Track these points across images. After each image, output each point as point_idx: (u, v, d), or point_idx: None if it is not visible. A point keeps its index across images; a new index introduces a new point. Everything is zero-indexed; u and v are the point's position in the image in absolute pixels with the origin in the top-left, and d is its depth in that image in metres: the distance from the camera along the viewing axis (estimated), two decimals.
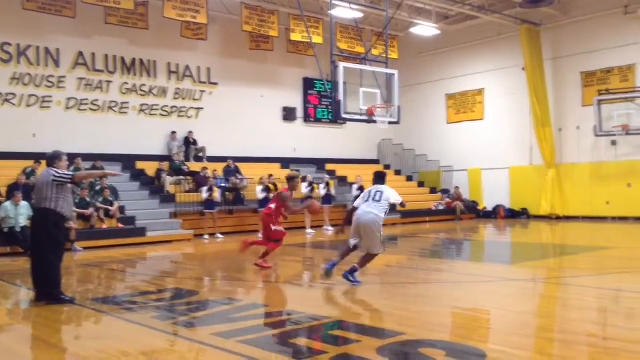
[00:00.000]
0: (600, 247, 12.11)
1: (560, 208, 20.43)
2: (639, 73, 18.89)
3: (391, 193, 7.90)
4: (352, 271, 7.70)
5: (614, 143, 19.28)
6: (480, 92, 23.17)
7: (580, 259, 10.78)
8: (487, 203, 22.56)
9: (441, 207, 21.73)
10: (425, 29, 21.62)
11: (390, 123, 18.39)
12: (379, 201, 7.74)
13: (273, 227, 9.34)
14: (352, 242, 7.88)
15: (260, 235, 11.77)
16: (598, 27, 19.56)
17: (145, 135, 18.31)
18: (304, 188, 17.44)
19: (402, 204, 8.15)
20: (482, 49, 22.76)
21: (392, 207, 8.06)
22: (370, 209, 7.70)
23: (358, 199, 8.17)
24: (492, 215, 21.83)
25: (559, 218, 20.27)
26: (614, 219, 19.13)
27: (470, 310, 6.60)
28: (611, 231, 16.47)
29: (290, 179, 9.81)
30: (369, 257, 7.84)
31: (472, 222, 20.76)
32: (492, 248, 14.23)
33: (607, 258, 10.57)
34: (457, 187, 22.82)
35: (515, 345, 4.95)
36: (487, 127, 22.87)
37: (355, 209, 7.99)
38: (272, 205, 9.45)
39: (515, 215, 21.45)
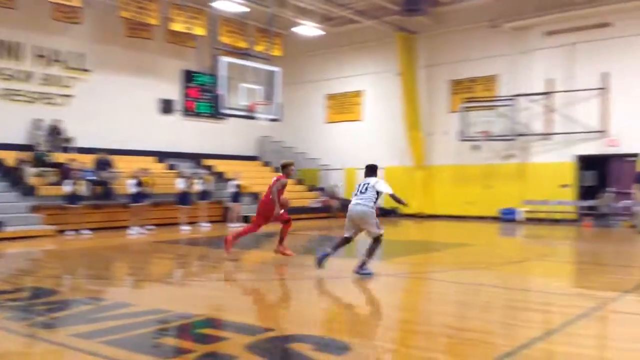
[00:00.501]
0: (462, 244, 12.97)
1: (427, 207, 21.66)
2: (500, 83, 20.48)
3: (379, 184, 8.27)
4: (362, 266, 8.06)
5: (476, 148, 20.77)
6: (359, 94, 23.93)
7: (443, 255, 11.48)
8: None
9: (318, 205, 22.15)
10: (309, 29, 21.93)
11: (271, 120, 18.49)
12: (364, 193, 8.17)
13: (281, 211, 9.67)
14: (347, 234, 8.28)
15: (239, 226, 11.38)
16: (467, 38, 20.96)
17: (6, 122, 16.87)
18: (180, 183, 17.01)
19: (392, 196, 8.42)
20: (362, 53, 23.52)
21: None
22: (358, 201, 8.15)
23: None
24: None
25: (425, 217, 21.47)
26: (473, 217, 20.60)
27: (339, 305, 6.80)
28: (472, 229, 17.70)
29: (285, 166, 9.92)
30: (373, 245, 8.18)
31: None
32: (364, 245, 14.73)
33: (467, 254, 11.33)
34: (334, 185, 23.42)
35: (379, 337, 5.18)
36: (364, 128, 23.69)
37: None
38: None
39: (386, 214, 22.38)
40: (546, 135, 19.37)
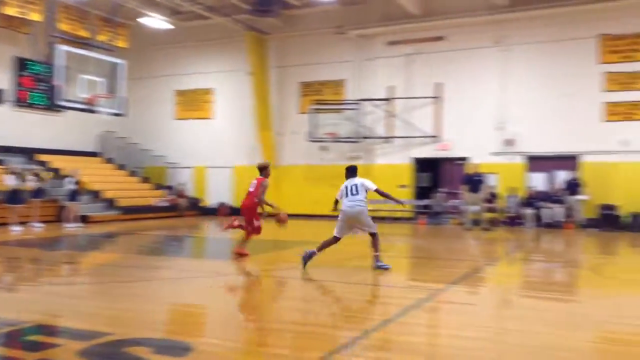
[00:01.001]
0: (309, 242, 13.31)
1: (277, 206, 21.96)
2: (348, 88, 21.37)
3: (366, 182, 8.82)
4: (377, 260, 8.56)
5: (324, 148, 21.46)
6: (210, 91, 23.59)
7: (291, 253, 11.69)
8: (211, 200, 23.09)
9: (165, 204, 21.47)
10: (156, 22, 21.14)
11: (114, 114, 17.55)
12: (356, 194, 8.67)
13: (256, 223, 9.90)
14: (339, 234, 8.71)
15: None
16: (316, 42, 21.60)
17: None
18: (9, 180, 15.53)
19: (378, 191, 8.87)
20: (213, 50, 23.23)
21: None
22: (353, 202, 8.62)
23: (338, 192, 8.95)
24: (215, 212, 22.38)
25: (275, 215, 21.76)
26: (321, 216, 21.25)
27: (184, 306, 6.64)
28: (319, 228, 18.25)
29: (264, 168, 10.20)
30: (374, 240, 8.67)
31: (195, 219, 20.99)
32: (213, 244, 14.57)
33: None
34: (181, 184, 22.87)
35: (224, 336, 5.14)
36: (215, 126, 23.41)
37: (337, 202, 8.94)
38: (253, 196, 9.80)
39: (237, 212, 22.24)
40: (387, 138, 20.58)
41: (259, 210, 10.13)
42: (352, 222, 8.77)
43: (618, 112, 17.58)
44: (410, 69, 20.27)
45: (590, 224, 16.99)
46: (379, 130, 20.74)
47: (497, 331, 5.54)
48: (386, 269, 8.58)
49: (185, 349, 4.56)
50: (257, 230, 10.08)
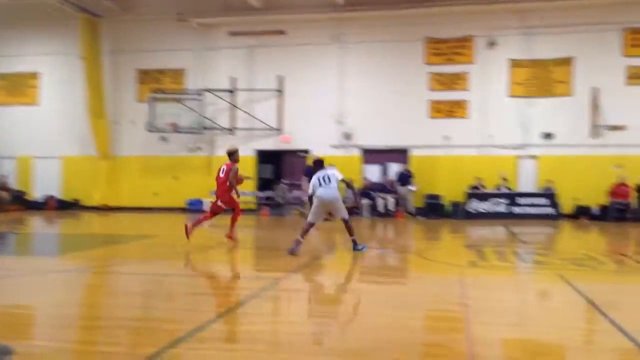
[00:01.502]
0: (148, 236, 12.82)
1: (113, 199, 20.85)
2: (188, 77, 20.85)
3: (336, 173, 9.68)
4: (355, 243, 9.56)
5: (164, 139, 20.77)
6: (35, 75, 21.67)
7: (127, 248, 11.17)
8: (38, 193, 21.25)
9: None
10: None
11: None
12: (330, 182, 9.48)
13: (235, 202, 10.66)
14: (314, 220, 9.56)
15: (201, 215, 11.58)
16: (155, 28, 20.77)
17: None
18: None
19: (343, 180, 9.68)
20: (39, 31, 21.35)
21: None
22: (329, 189, 9.43)
23: (310, 186, 9.73)
24: (43, 206, 20.67)
25: (110, 209, 20.63)
26: (160, 209, 20.58)
27: (7, 307, 6.04)
28: (159, 221, 17.65)
29: (232, 153, 10.75)
30: (348, 225, 9.61)
31: (19, 214, 19.19)
32: (40, 240, 13.44)
33: (153, 246, 11.24)
34: (3, 176, 20.76)
35: (51, 337, 4.77)
36: (42, 113, 21.58)
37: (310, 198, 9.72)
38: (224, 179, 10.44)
39: (66, 206, 20.84)
40: (230, 130, 20.46)
41: (234, 195, 10.69)
42: (328, 208, 9.65)
43: (441, 110, 19.21)
44: (253, 61, 20.34)
45: (418, 212, 18.41)
46: (221, 121, 20.54)
47: (334, 316, 5.79)
48: (364, 250, 9.66)
49: (4, 353, 4.14)
50: (236, 203, 10.81)
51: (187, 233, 10.67)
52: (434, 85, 19.30)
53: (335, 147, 19.74)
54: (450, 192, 18.60)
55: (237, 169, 10.70)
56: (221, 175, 10.73)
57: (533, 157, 18.73)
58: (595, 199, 17.72)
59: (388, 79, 19.54)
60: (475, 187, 18.35)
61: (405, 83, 19.38)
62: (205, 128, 20.29)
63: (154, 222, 17.09)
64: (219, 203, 10.87)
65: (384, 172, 19.81)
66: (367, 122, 19.59)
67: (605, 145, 17.90)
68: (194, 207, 20.11)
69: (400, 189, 18.60)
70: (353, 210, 18.33)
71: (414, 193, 18.61)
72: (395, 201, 18.57)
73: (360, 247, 9.68)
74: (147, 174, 20.98)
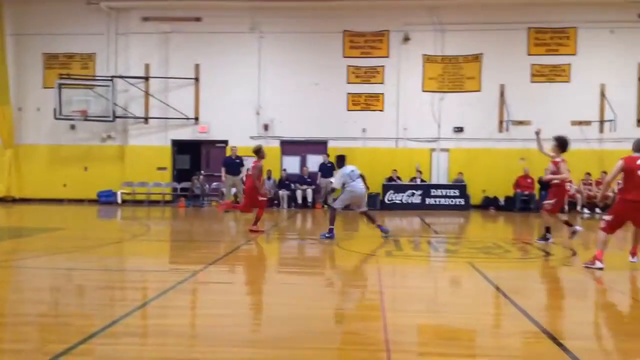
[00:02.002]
0: (56, 229, 12.23)
1: (18, 190, 19.72)
2: (98, 62, 19.98)
3: (356, 169, 10.88)
4: (382, 228, 10.91)
5: (73, 127, 19.84)
6: None
7: (34, 241, 10.60)
8: None
9: None
10: None
11: None
12: (359, 178, 10.75)
13: (260, 198, 11.34)
14: (339, 207, 10.79)
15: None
16: (62, 11, 19.75)
17: None
18: None
19: (361, 175, 10.88)
20: None
21: None
22: (360, 184, 10.75)
23: (337, 179, 10.76)
24: None
25: (15, 200, 19.50)
26: (70, 200, 19.67)
27: None
28: (67, 213, 16.87)
29: (258, 151, 11.36)
30: (369, 215, 11.04)
31: None
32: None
33: (62, 239, 10.73)
34: None
35: None
36: None
37: (334, 189, 11.12)
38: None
39: None
40: (144, 118, 19.83)
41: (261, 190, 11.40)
42: (357, 200, 10.83)
43: (359, 102, 19.53)
44: (168, 48, 19.80)
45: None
46: (134, 109, 19.86)
47: (252, 307, 5.77)
48: (388, 232, 10.83)
49: None
50: (262, 203, 11.53)
51: (256, 231, 11.42)
52: (352, 78, 19.57)
53: (254, 138, 19.62)
54: (368, 184, 18.93)
55: (262, 166, 11.45)
56: (249, 172, 11.85)
57: (445, 150, 19.43)
58: (502, 190, 18.65)
59: (307, 71, 19.60)
60: (391, 179, 18.82)
61: (324, 75, 19.53)
62: (117, 116, 19.54)
63: (63, 214, 16.31)
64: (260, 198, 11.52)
65: (303, 163, 19.91)
66: (286, 114, 19.59)
67: (511, 139, 18.86)
68: (106, 199, 19.37)
69: (321, 181, 18.77)
70: (327, 202, 18.48)
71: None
72: (313, 192, 18.72)
73: (386, 230, 10.88)
74: (56, 164, 19.96)
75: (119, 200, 19.28)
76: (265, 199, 11.74)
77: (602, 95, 18.74)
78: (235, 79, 19.70)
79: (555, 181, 10.13)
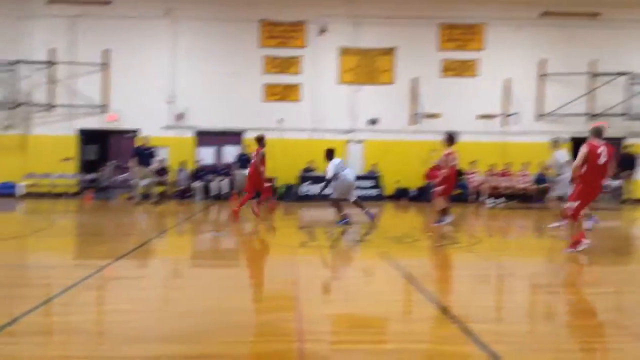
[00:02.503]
0: None
1: None
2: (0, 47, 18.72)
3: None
4: (369, 212, 11.70)
5: None
6: None
7: None
8: None
9: None
10: None
11: None
12: (347, 169, 11.67)
13: (265, 185, 12.51)
14: (338, 196, 11.66)
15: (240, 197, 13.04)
16: None
17: None
18: None
19: None
20: None
21: None
22: (352, 175, 11.73)
23: (330, 170, 11.47)
24: None
25: None
26: None
27: None
28: None
29: (260, 139, 12.23)
30: (358, 203, 11.78)
31: None
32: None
33: None
34: None
35: None
36: None
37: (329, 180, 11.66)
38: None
39: None
40: (49, 106, 18.80)
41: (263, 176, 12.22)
42: (351, 189, 11.71)
43: (275, 93, 19.45)
44: (75, 32, 18.84)
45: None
46: (38, 96, 18.77)
47: (163, 301, 5.61)
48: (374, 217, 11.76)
49: None
50: (268, 190, 12.95)
51: (257, 213, 12.41)
52: (268, 68, 19.44)
53: (167, 128, 19.09)
54: (283, 175, 18.95)
55: (264, 153, 12.27)
56: (252, 160, 12.38)
57: (360, 141, 19.75)
58: (414, 181, 19.21)
59: (223, 60, 19.26)
60: (308, 170, 18.91)
61: (241, 64, 19.27)
62: (19, 104, 18.39)
63: None
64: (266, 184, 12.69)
65: (219, 154, 19.59)
66: (201, 103, 19.18)
67: (422, 132, 19.44)
68: (6, 191, 18.21)
69: (236, 172, 18.53)
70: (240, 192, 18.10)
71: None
72: (229, 184, 18.48)
73: (372, 214, 11.73)
74: None
75: (21, 193, 18.19)
76: (270, 184, 12.87)
77: (507, 90, 19.69)
78: (148, 65, 19.06)
79: (446, 170, 11.58)
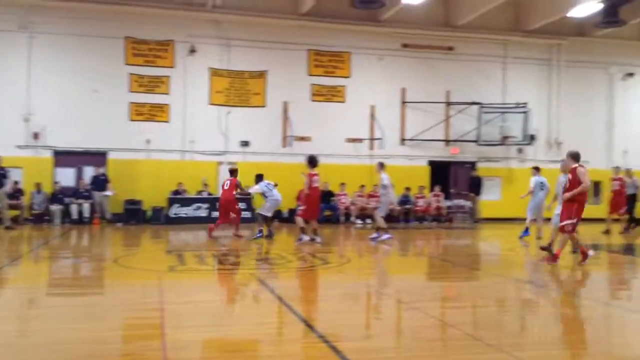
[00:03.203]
0: None
1: None
2: None
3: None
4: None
5: None
6: None
7: None
8: None
9: None
10: None
11: None
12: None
13: (237, 207, 13.94)
14: (267, 213, 13.29)
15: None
16: None
17: None
18: None
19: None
20: None
21: None
22: (278, 194, 13.42)
23: (257, 188, 13.48)
24: None
25: None
26: None
27: None
28: None
29: (234, 171, 14.07)
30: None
31: None
32: None
33: None
34: None
35: None
36: None
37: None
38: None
39: None
40: None
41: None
42: (277, 207, 13.73)
43: (142, 113, 18.78)
44: None
45: (116, 218, 17.60)
46: None
47: (17, 333, 5.14)
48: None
49: None
50: (239, 214, 14.00)
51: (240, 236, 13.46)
52: (135, 87, 18.75)
53: (22, 147, 17.66)
54: (151, 197, 18.26)
55: (239, 182, 13.85)
56: (225, 188, 13.57)
57: (232, 163, 19.60)
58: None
59: (85, 77, 18.22)
60: (177, 192, 18.38)
61: (104, 82, 18.36)
62: None
63: None
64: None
65: (79, 176, 18.42)
66: (61, 122, 17.96)
67: (294, 154, 19.72)
68: None
69: (96, 195, 17.55)
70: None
71: (111, 198, 17.74)
72: (90, 207, 17.44)
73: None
74: None
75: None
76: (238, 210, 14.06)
77: (372, 116, 20.61)
78: (1, 81, 17.59)
79: (306, 191, 12.61)
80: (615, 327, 5.97)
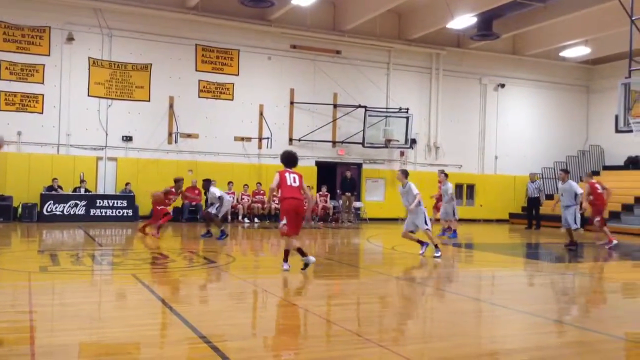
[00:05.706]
0: None
1: None
2: None
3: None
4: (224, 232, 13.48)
5: None
6: None
7: None
8: None
9: None
10: None
11: None
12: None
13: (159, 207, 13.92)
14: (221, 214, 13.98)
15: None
16: None
17: None
18: None
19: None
20: None
21: None
22: (230, 197, 15.15)
23: (218, 192, 13.77)
24: None
25: None
26: None
27: None
28: None
29: (178, 181, 14.08)
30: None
31: None
32: None
33: None
34: None
35: None
36: None
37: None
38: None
39: None
40: None
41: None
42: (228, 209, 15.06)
43: (13, 102, 17.46)
44: None
45: None
46: None
47: None
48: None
49: None
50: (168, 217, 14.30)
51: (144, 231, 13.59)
52: (6, 75, 17.37)
53: None
54: (22, 193, 17.01)
55: (169, 191, 13.94)
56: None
57: (113, 159, 18.74)
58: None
59: None
60: (52, 188, 17.26)
61: None
62: None
63: None
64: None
65: None
66: None
67: (180, 151, 19.22)
68: None
69: None
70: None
71: None
72: None
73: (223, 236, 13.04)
74: None
75: None
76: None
77: (261, 114, 20.58)
78: None
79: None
80: (485, 321, 6.41)
